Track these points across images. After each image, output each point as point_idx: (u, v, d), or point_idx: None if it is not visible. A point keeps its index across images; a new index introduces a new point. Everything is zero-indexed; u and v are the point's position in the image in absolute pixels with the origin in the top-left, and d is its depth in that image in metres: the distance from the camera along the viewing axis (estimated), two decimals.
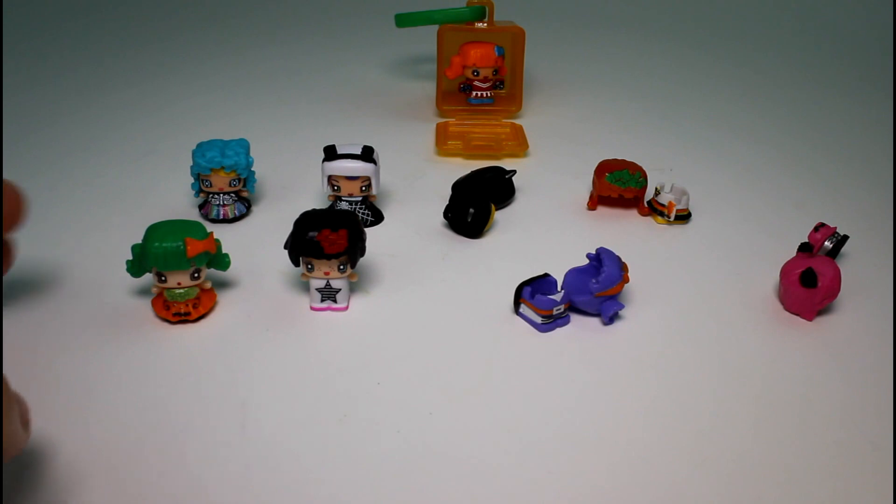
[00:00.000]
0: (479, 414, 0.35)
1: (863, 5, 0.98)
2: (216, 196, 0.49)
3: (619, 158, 0.53)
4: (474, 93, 0.65)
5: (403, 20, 0.64)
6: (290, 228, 0.39)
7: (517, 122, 0.65)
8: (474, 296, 0.43)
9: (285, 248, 0.40)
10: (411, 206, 0.52)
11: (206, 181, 0.48)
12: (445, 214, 0.49)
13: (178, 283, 0.38)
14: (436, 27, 0.63)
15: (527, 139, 0.61)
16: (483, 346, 0.39)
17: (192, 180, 0.49)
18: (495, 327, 0.40)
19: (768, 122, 0.69)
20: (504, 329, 0.40)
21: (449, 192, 0.51)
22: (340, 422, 0.34)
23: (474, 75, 0.63)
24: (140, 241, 0.38)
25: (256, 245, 0.47)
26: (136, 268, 0.39)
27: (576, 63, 0.83)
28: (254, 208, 0.51)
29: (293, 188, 0.54)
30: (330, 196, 0.49)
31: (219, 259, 0.40)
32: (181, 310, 0.39)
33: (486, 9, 0.62)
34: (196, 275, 0.39)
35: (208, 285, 0.40)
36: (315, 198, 0.53)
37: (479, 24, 0.63)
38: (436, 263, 0.46)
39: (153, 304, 0.40)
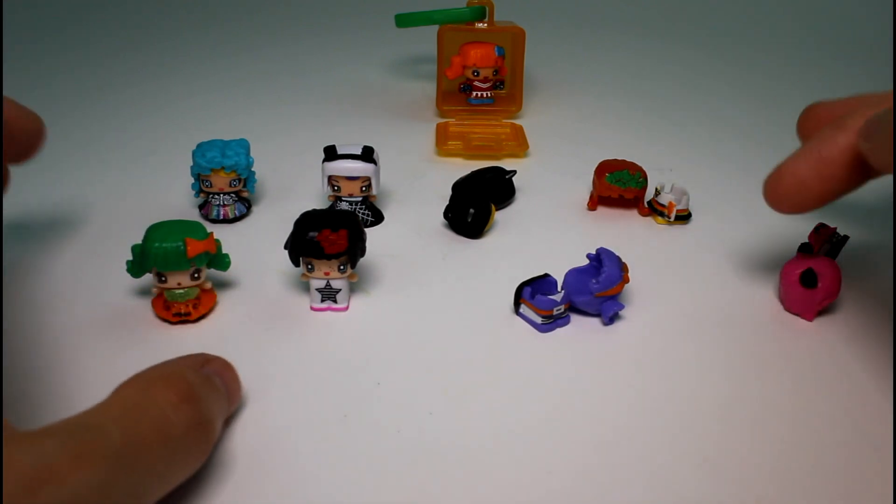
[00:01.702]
0: (479, 414, 0.35)
1: (863, 5, 0.98)
2: (216, 196, 0.49)
3: (619, 158, 0.53)
4: (474, 93, 0.65)
5: (403, 20, 0.64)
6: (290, 228, 0.39)
7: (517, 122, 0.65)
8: (474, 296, 0.43)
9: (285, 248, 0.40)
10: (411, 206, 0.52)
11: (207, 181, 0.48)
12: (445, 214, 0.49)
13: (179, 284, 0.38)
14: (436, 27, 0.63)
15: (527, 139, 0.61)
16: (483, 346, 0.39)
17: (192, 180, 0.49)
18: (495, 327, 0.40)
19: (769, 122, 0.69)
20: (504, 329, 0.40)
21: (449, 192, 0.51)
22: (341, 421, 0.34)
23: (474, 75, 0.63)
24: (140, 242, 0.38)
25: (256, 245, 0.47)
26: (136, 268, 0.39)
27: (576, 63, 0.83)
28: (254, 208, 0.51)
29: (293, 188, 0.54)
30: (330, 196, 0.49)
31: (219, 259, 0.40)
32: (181, 310, 0.39)
33: (486, 9, 0.62)
34: (196, 275, 0.39)
35: (208, 285, 0.40)
36: (315, 198, 0.53)
37: (480, 25, 0.63)
38: (436, 264, 0.46)
39: (153, 304, 0.40)
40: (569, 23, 0.98)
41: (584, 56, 0.86)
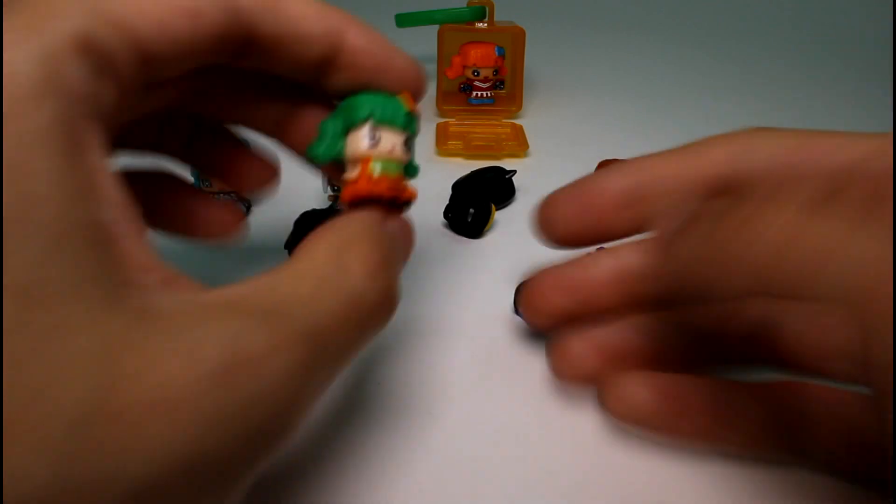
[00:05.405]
0: (478, 414, 0.35)
1: (863, 5, 0.98)
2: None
3: (619, 159, 0.53)
4: (474, 93, 0.65)
5: (403, 20, 0.64)
6: (290, 228, 0.39)
7: (517, 122, 0.65)
8: (474, 296, 0.43)
9: (285, 248, 0.40)
10: (411, 206, 0.52)
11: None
12: (445, 214, 0.49)
13: (393, 149, 0.29)
14: (436, 27, 0.63)
15: (527, 139, 0.61)
16: (483, 346, 0.39)
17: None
18: (495, 327, 0.40)
19: (769, 122, 0.69)
20: (504, 329, 0.40)
21: (449, 192, 0.51)
22: (340, 421, 0.34)
23: (474, 75, 0.63)
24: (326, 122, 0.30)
25: (256, 245, 0.47)
26: (332, 142, 0.29)
27: (576, 63, 0.83)
28: (254, 208, 0.51)
29: (293, 188, 0.54)
30: (330, 196, 0.49)
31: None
32: (394, 184, 0.29)
33: (487, 9, 0.62)
34: (407, 145, 0.30)
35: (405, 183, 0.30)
36: (315, 198, 0.53)
37: (480, 24, 0.63)
38: (436, 264, 0.46)
39: (344, 194, 0.28)
40: (569, 23, 0.98)
41: (584, 56, 0.86)
